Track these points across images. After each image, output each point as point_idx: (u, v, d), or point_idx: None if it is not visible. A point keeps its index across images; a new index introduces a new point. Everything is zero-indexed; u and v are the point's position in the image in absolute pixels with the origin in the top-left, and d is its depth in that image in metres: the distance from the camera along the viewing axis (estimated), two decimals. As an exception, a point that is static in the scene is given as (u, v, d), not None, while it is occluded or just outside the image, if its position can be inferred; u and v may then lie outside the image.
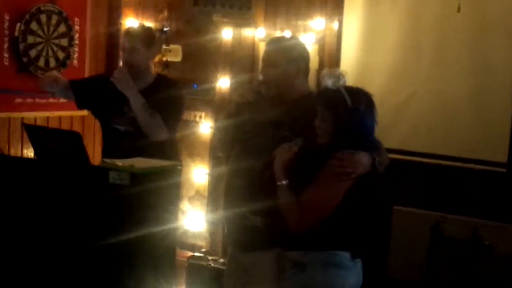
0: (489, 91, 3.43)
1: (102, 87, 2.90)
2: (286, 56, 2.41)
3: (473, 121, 3.48)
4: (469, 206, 3.52)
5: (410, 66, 3.65)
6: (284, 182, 2.19)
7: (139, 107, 2.75)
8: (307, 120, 2.20)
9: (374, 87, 3.48)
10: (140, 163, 2.31)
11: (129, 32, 2.91)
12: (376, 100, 3.31)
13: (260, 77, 2.53)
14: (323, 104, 2.16)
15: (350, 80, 3.51)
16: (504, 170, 3.32)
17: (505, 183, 3.33)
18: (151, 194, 2.28)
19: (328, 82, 2.20)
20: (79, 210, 2.21)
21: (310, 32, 3.68)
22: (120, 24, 3.99)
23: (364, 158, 2.15)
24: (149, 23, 3.81)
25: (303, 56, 2.45)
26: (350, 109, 2.13)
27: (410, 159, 3.59)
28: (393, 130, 3.62)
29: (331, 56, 3.72)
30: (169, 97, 2.87)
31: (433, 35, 3.60)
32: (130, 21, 3.90)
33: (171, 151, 2.88)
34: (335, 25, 3.71)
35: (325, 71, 2.30)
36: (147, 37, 2.87)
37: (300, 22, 3.73)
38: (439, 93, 3.58)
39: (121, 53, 3.13)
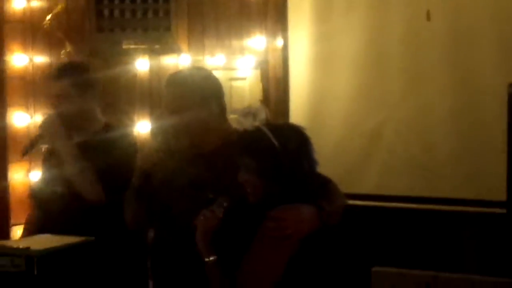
0: (476, 111, 3.13)
1: None
2: (194, 96, 2.15)
3: (460, 151, 3.12)
4: (466, 260, 3.18)
5: (377, 88, 3.25)
6: (211, 258, 1.99)
7: (69, 158, 2.49)
8: (232, 174, 1.98)
9: (334, 116, 3.32)
10: (41, 242, 2.16)
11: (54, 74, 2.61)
12: (338, 133, 3.32)
13: (164, 127, 2.28)
14: (243, 151, 1.96)
15: (300, 110, 3.33)
16: (503, 210, 2.94)
17: (506, 226, 2.95)
18: (56, 282, 2.08)
19: (245, 122, 2.08)
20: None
21: (248, 54, 3.22)
22: (4, 61, 3.35)
23: (305, 212, 1.92)
24: (41, 58, 3.20)
25: (215, 91, 2.21)
26: (277, 152, 1.92)
27: (386, 205, 3.20)
28: (362, 171, 3.25)
29: (277, 82, 3.28)
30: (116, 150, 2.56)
31: (401, 49, 3.26)
32: (18, 57, 3.27)
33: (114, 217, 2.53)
34: (278, 42, 3.26)
35: (240, 110, 2.18)
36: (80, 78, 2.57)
37: (235, 42, 3.26)
38: (415, 118, 3.21)
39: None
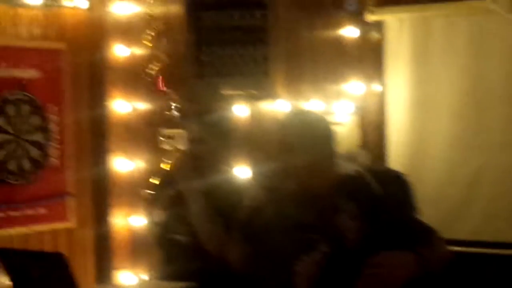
0: None
1: None
2: (307, 139, 2.16)
3: None
4: None
5: (476, 134, 3.21)
6: None
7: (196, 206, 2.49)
8: (333, 214, 2.02)
9: (432, 162, 3.29)
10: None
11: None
12: (437, 179, 3.31)
13: (275, 167, 2.35)
14: (344, 195, 2.01)
15: (403, 157, 3.34)
16: None
17: None
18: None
19: (348, 168, 2.12)
20: None
21: (344, 99, 3.23)
22: (105, 107, 3.44)
23: (405, 259, 1.94)
24: (143, 105, 3.30)
25: (327, 134, 2.23)
26: (378, 197, 2.00)
27: (486, 252, 3.14)
28: (461, 216, 3.19)
29: (375, 127, 3.27)
30: None
31: (501, 96, 3.20)
32: (119, 103, 3.36)
33: None
34: (376, 87, 3.27)
35: (345, 155, 2.36)
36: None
37: (331, 87, 3.26)
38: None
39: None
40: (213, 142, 2.55)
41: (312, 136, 2.19)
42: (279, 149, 2.25)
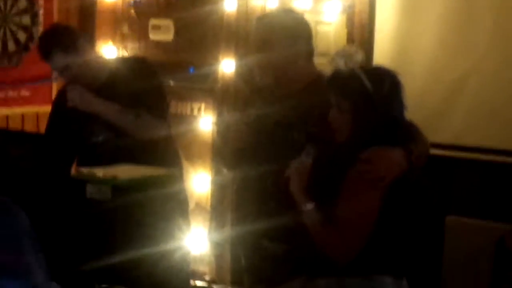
0: None
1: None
2: (281, 35, 2.28)
3: None
4: None
5: (463, 39, 3.30)
6: (309, 207, 2.06)
7: (117, 116, 2.59)
8: (319, 113, 2.10)
9: (418, 65, 3.40)
10: (125, 171, 2.23)
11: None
12: (421, 81, 3.37)
13: (255, 62, 2.42)
14: (336, 91, 2.05)
15: (386, 58, 3.38)
16: None
17: None
18: (139, 210, 2.22)
19: (340, 63, 2.08)
20: (50, 230, 2.13)
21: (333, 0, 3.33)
22: None
23: (397, 155, 1.97)
24: None
25: (304, 32, 2.33)
26: (370, 93, 2.01)
27: (466, 156, 3.28)
28: (444, 120, 3.31)
29: (362, 28, 3.34)
30: (149, 84, 2.68)
31: (489, 2, 3.27)
32: None
33: (169, 152, 2.72)
34: None
35: (335, 52, 2.19)
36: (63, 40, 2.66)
37: None
38: (501, 71, 3.26)
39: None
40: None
41: (289, 34, 2.28)
42: (258, 45, 2.34)
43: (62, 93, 2.76)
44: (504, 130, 3.30)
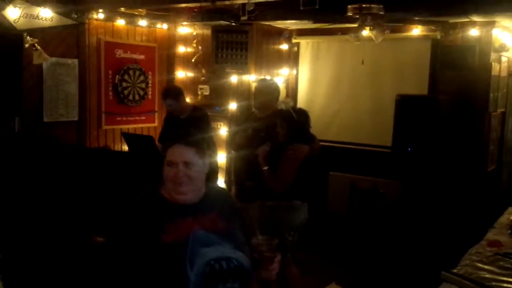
0: (380, 107, 4.94)
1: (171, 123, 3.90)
2: (269, 90, 3.40)
3: (372, 123, 5.05)
4: (372, 172, 4.83)
5: (335, 94, 5.29)
6: (266, 168, 3.01)
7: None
8: (274, 126, 3.07)
9: (317, 105, 5.28)
10: None
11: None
12: (318, 113, 4.83)
13: (253, 103, 3.48)
14: (280, 118, 3.04)
15: (303, 102, 5.28)
16: (389, 150, 4.66)
17: (391, 158, 4.62)
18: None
19: (282, 106, 3.37)
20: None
21: (280, 76, 5.36)
22: (174, 73, 5.69)
23: (305, 147, 2.97)
24: (191, 74, 5.59)
25: (278, 90, 3.47)
26: (295, 121, 2.99)
27: (338, 146, 5.12)
28: (328, 130, 5.21)
29: (292, 90, 5.47)
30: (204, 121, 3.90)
31: (348, 78, 5.22)
32: (180, 73, 5.74)
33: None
34: (294, 72, 5.50)
35: (280, 100, 3.32)
36: (172, 93, 3.91)
37: (274, 71, 5.40)
38: (353, 109, 5.17)
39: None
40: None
41: (268, 89, 3.35)
42: (256, 92, 3.34)
43: (168, 114, 4.04)
44: (352, 133, 5.12)
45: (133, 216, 1.78)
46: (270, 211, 3.12)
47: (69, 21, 4.75)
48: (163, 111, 5.27)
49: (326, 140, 4.54)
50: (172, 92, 4.08)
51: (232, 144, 3.84)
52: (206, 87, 5.51)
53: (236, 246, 1.80)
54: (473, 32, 4.60)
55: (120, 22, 5.30)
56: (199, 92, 5.50)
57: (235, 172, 3.67)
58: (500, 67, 4.83)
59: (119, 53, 5.33)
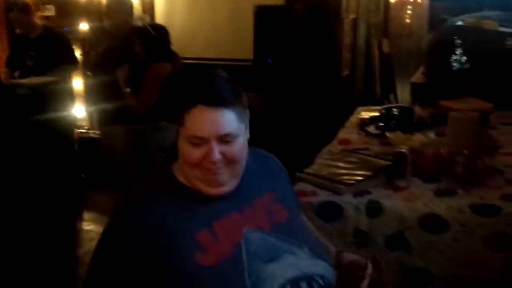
0: (241, 19, 4.76)
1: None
2: (123, 7, 3.40)
3: (234, 37, 4.90)
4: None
5: (195, 9, 5.05)
6: (128, 90, 3.04)
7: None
8: (132, 46, 3.11)
9: (176, 22, 4.96)
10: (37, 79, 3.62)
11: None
12: (178, 29, 4.50)
13: (109, 24, 3.34)
14: (137, 36, 3.06)
15: (161, 18, 4.92)
16: (251, 63, 4.51)
17: (252, 71, 4.47)
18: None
19: (139, 23, 3.48)
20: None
21: None
22: None
23: (167, 65, 3.08)
24: None
25: (131, 6, 3.50)
26: (154, 37, 3.02)
27: (201, 63, 4.83)
28: (190, 46, 4.86)
29: (149, 5, 5.14)
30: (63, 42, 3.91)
31: None
32: None
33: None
34: None
35: (136, 17, 3.31)
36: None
37: None
38: (213, 24, 4.98)
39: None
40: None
41: (122, 6, 3.32)
42: (108, 10, 3.35)
43: (17, 36, 3.97)
44: (213, 49, 4.84)
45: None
46: (136, 134, 3.16)
47: None
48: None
49: (189, 58, 4.38)
50: (20, 3, 3.96)
51: (86, 64, 3.75)
52: (51, 7, 5.06)
53: (312, 248, 1.23)
54: None
55: None
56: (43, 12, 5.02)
57: (94, 97, 3.60)
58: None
59: None
